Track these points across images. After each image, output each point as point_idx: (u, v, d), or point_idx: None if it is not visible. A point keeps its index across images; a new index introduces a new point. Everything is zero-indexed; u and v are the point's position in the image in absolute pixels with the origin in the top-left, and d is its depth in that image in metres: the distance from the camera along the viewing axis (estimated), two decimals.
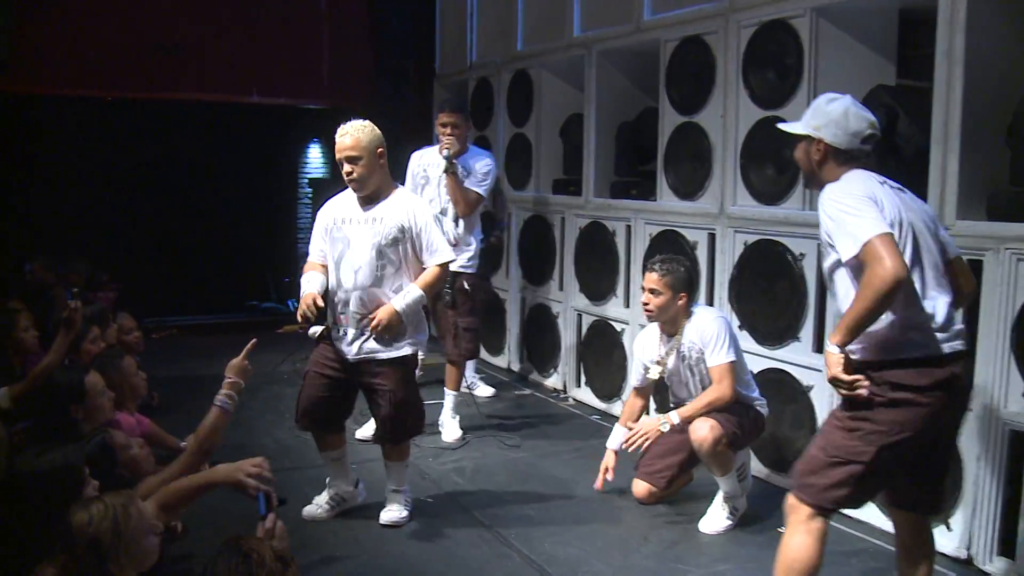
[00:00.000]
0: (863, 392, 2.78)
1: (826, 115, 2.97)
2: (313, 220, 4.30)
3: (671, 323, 4.23)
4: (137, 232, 9.03)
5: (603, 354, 6.02)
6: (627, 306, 5.83)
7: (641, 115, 6.09)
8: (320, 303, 3.88)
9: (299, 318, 3.94)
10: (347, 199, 4.10)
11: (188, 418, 4.30)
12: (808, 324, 4.47)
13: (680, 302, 4.17)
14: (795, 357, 4.52)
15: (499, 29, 7.31)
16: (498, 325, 7.30)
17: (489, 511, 4.37)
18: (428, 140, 7.62)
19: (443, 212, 5.26)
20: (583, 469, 5.00)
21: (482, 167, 5.27)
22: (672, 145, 5.37)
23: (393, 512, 4.18)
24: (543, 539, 4.04)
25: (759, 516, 4.27)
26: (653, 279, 4.15)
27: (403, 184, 5.41)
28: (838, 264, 2.83)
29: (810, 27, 4.39)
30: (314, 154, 10.49)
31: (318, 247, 4.13)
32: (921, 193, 3.40)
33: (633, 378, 4.53)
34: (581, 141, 6.24)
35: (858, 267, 2.72)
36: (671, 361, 4.25)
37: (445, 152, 5.14)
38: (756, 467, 4.71)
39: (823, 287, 4.34)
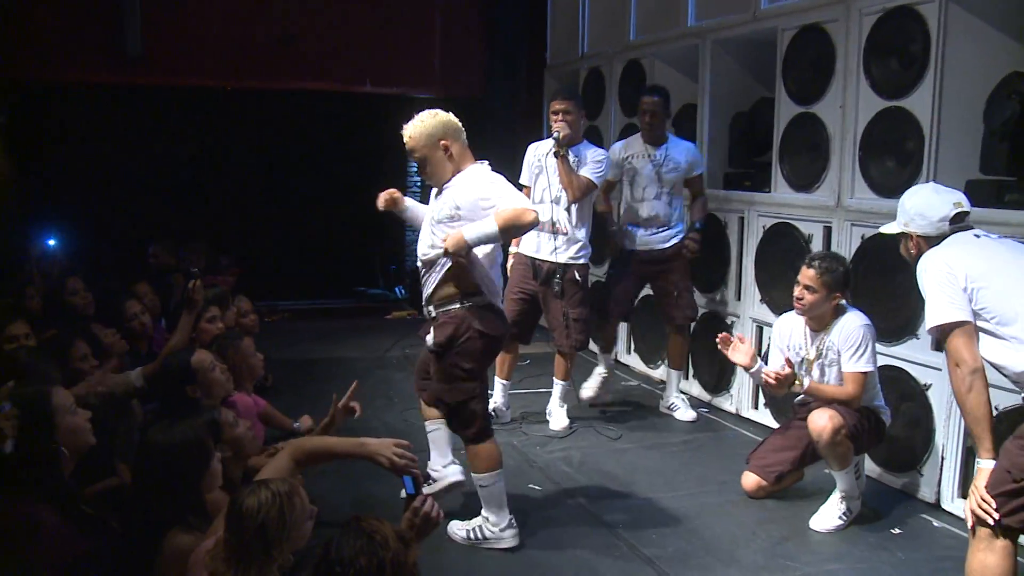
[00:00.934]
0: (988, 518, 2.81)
1: (909, 212, 3.24)
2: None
3: (818, 320, 4.17)
4: (251, 218, 9.35)
5: (712, 347, 5.94)
6: (738, 299, 5.76)
7: (756, 105, 5.99)
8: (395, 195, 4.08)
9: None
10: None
11: (299, 399, 4.47)
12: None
13: (833, 301, 4.11)
14: (912, 355, 4.40)
15: (611, 19, 7.28)
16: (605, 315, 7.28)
17: (597, 501, 4.40)
18: (540, 129, 7.68)
19: (556, 200, 5.28)
20: (690, 462, 5.00)
21: (595, 155, 5.27)
22: (788, 136, 5.28)
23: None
24: (650, 531, 4.06)
25: (872, 516, 4.19)
26: (811, 276, 4.07)
27: (520, 175, 5.51)
28: None
29: (939, 13, 4.23)
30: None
31: None
32: None
33: (770, 363, 4.34)
34: (694, 131, 6.17)
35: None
36: (812, 355, 4.21)
37: (555, 134, 5.16)
38: (869, 466, 4.61)
39: None
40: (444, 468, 4.14)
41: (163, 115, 8.82)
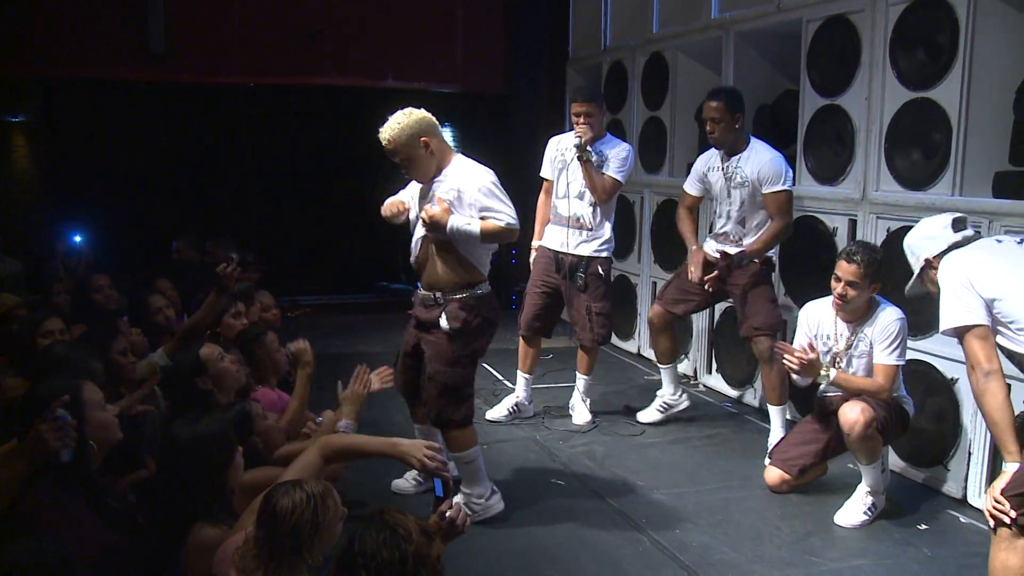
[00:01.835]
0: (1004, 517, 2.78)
1: (914, 246, 3.31)
2: None
3: (853, 312, 4.12)
4: (274, 213, 9.37)
5: (735, 341, 5.92)
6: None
7: (780, 98, 5.95)
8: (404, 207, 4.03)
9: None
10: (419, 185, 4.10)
11: (322, 394, 4.47)
12: None
13: (871, 293, 4.07)
14: (939, 348, 4.35)
15: (634, 12, 7.24)
16: (628, 310, 7.28)
17: (619, 496, 4.39)
18: (562, 123, 7.66)
19: (580, 196, 5.27)
20: (713, 456, 4.98)
21: (618, 153, 5.23)
22: (813, 128, 5.23)
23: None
24: (673, 525, 4.05)
25: (897, 511, 4.16)
26: (853, 271, 3.99)
27: (540, 169, 5.49)
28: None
29: (968, 1, 4.17)
30: (446, 138, 10.61)
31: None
32: None
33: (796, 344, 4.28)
34: None
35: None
36: (841, 346, 4.18)
37: (577, 140, 5.13)
38: (893, 460, 4.58)
39: None
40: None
41: (187, 112, 8.86)
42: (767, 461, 4.56)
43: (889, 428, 4.01)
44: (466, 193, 3.83)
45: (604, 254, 5.33)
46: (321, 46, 8.92)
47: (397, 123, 3.81)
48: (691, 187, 5.24)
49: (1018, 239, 3.11)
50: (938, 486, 4.42)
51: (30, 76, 8.40)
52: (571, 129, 5.31)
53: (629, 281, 7.29)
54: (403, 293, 9.98)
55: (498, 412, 5.56)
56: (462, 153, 4.07)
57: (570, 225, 5.29)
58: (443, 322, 3.89)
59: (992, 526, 2.85)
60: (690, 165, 6.48)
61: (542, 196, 5.56)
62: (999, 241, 3.13)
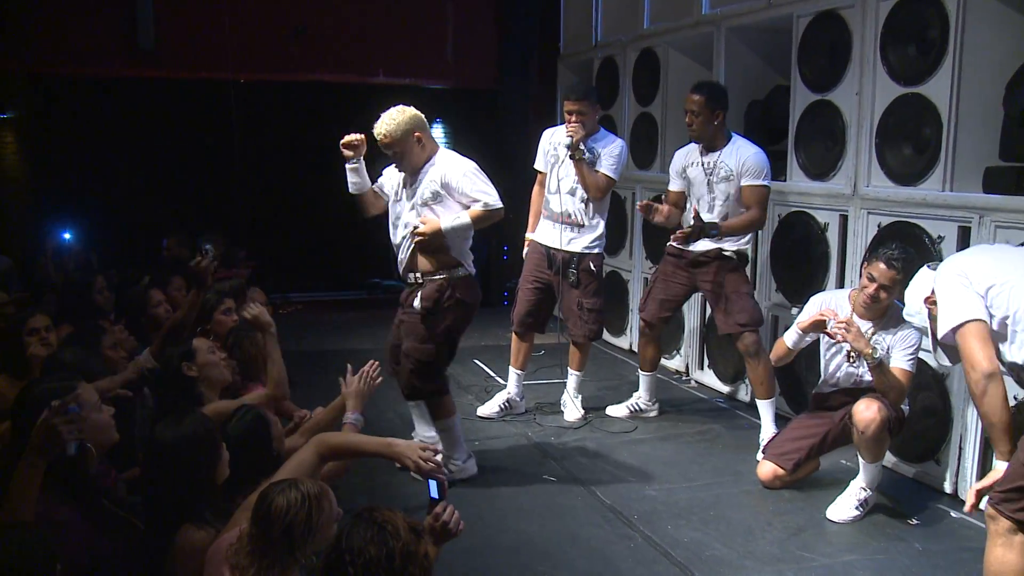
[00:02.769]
0: None
1: (913, 305, 3.29)
2: None
3: (875, 311, 4.10)
4: (264, 210, 9.34)
5: (727, 337, 5.92)
6: (754, 288, 5.71)
7: (771, 93, 5.95)
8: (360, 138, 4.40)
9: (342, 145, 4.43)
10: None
11: (312, 391, 4.49)
12: None
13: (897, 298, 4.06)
14: (929, 343, 4.34)
15: (625, 7, 7.23)
16: (620, 306, 7.28)
17: (611, 492, 4.39)
18: (553, 119, 7.64)
19: (571, 192, 5.26)
20: (705, 452, 4.98)
21: (611, 150, 5.22)
22: (804, 124, 5.23)
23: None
24: (665, 521, 4.04)
25: (889, 506, 4.17)
26: (891, 276, 3.95)
27: (533, 162, 5.50)
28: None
29: None
30: (437, 134, 10.61)
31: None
32: None
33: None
34: None
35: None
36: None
37: (568, 139, 5.12)
38: (885, 456, 4.57)
39: None
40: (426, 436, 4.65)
41: (176, 108, 8.82)
42: (759, 456, 4.56)
43: (895, 428, 4.02)
44: (452, 179, 4.26)
45: (596, 250, 5.32)
46: (311, 42, 8.88)
47: (393, 119, 4.20)
48: (673, 184, 5.23)
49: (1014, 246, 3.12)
50: (929, 481, 4.43)
51: (18, 72, 8.35)
52: (563, 123, 5.29)
53: (621, 277, 7.28)
54: (394, 289, 9.96)
55: (490, 408, 5.56)
56: (454, 149, 4.41)
57: (562, 221, 5.28)
58: (416, 301, 4.32)
59: (967, 510, 2.90)
60: None
61: (536, 188, 5.56)
62: (991, 244, 3.11)
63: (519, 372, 5.61)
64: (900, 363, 4.03)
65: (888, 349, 4.05)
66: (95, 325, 4.32)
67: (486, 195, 4.26)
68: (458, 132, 9.35)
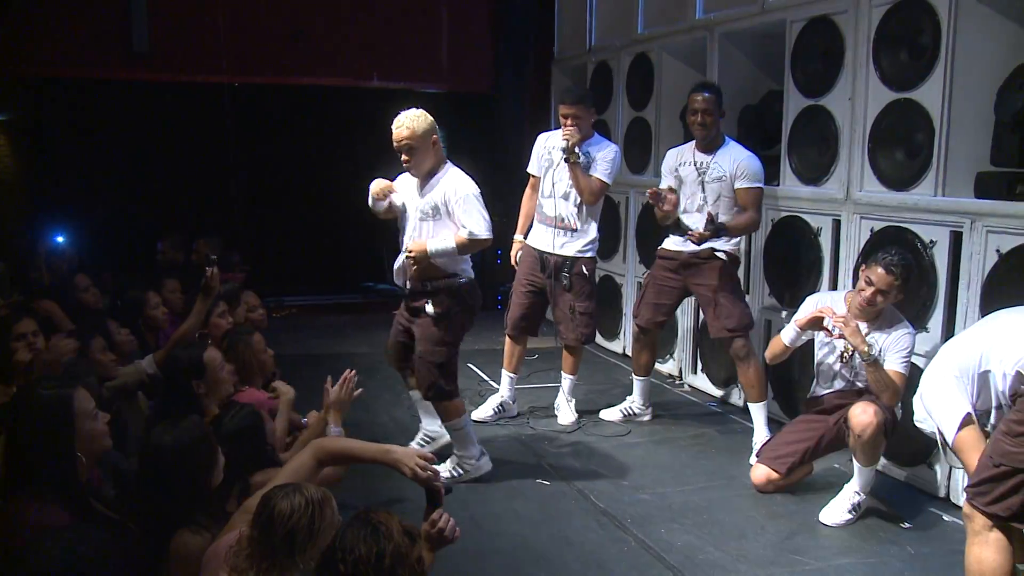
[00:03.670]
0: None
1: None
2: None
3: (871, 313, 4.13)
4: (258, 213, 9.33)
5: (719, 340, 5.93)
6: (747, 292, 5.73)
7: (765, 98, 5.96)
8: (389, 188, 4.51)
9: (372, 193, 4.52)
10: (410, 180, 4.51)
11: (307, 394, 4.49)
12: (937, 314, 4.31)
13: (893, 302, 4.09)
14: (923, 348, 4.35)
15: (619, 12, 7.26)
16: (614, 310, 7.29)
17: (605, 496, 4.39)
18: (548, 123, 7.67)
19: (565, 196, 5.27)
20: (698, 456, 4.99)
21: (605, 155, 5.23)
22: (797, 129, 5.25)
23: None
24: (659, 525, 4.05)
25: (881, 510, 4.17)
26: (889, 281, 3.97)
27: (528, 165, 5.50)
28: None
29: (950, 3, 4.20)
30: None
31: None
32: None
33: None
34: None
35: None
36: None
37: (563, 143, 5.14)
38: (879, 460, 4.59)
39: (953, 275, 4.22)
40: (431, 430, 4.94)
41: (171, 112, 8.80)
42: (753, 460, 4.57)
43: (890, 432, 4.03)
44: (451, 199, 4.33)
45: (589, 254, 5.33)
46: (306, 46, 8.87)
47: (416, 118, 4.35)
48: (664, 182, 5.24)
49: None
50: (921, 484, 4.44)
51: (13, 75, 8.32)
52: (558, 128, 5.30)
53: (614, 281, 7.29)
54: (388, 294, 9.97)
55: (483, 412, 5.56)
56: (449, 154, 4.49)
57: (555, 225, 5.29)
58: (428, 307, 4.38)
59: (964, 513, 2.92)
60: None
61: (527, 191, 5.57)
62: (992, 319, 3.15)
63: (512, 375, 5.61)
64: (894, 365, 4.04)
65: (882, 351, 4.06)
66: (90, 324, 4.31)
67: (476, 224, 4.30)
68: (453, 136, 9.28)
